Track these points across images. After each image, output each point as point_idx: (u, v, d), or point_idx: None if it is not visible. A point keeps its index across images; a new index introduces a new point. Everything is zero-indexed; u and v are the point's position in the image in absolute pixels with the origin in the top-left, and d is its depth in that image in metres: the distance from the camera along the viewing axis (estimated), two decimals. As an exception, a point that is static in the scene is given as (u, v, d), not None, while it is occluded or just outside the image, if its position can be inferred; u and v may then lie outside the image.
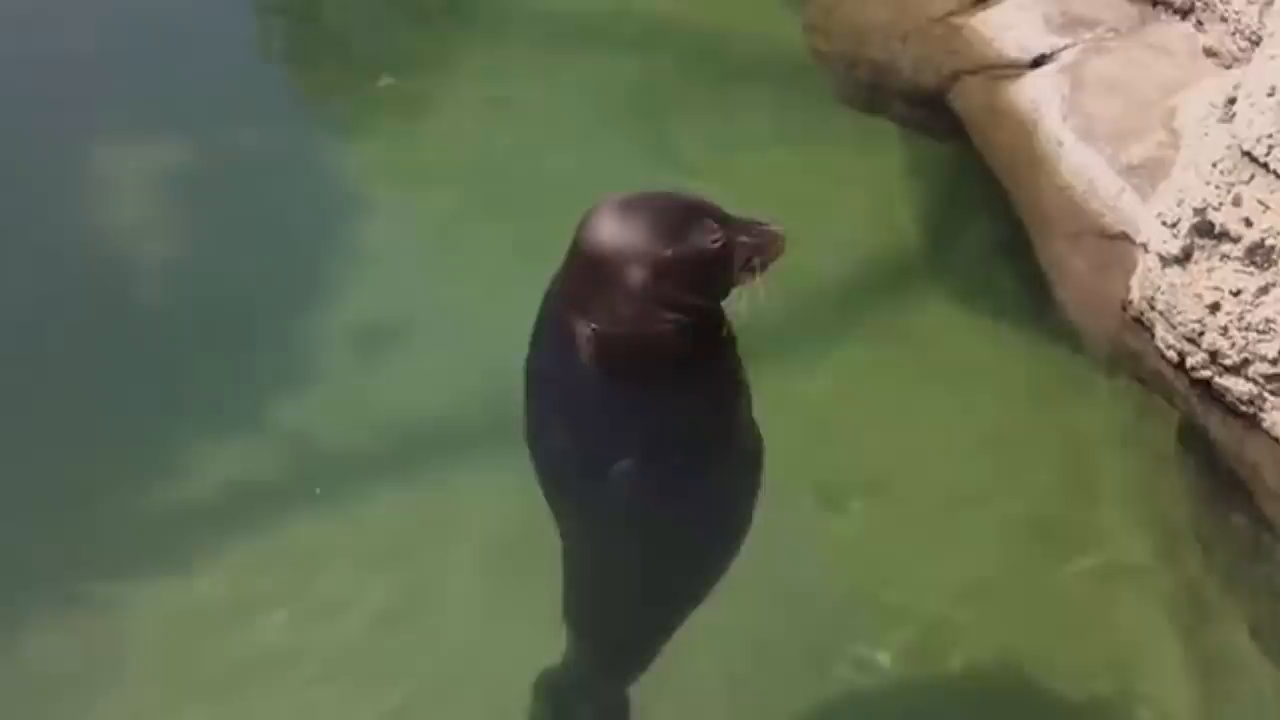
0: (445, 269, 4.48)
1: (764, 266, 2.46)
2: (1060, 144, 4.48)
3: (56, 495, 3.80)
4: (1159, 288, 3.98)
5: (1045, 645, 3.54)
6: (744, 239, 2.43)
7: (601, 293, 2.39)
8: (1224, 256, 3.76)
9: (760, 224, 2.47)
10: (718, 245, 2.41)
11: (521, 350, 2.59)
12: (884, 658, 3.49)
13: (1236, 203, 3.68)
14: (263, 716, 3.39)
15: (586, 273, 2.41)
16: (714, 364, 2.53)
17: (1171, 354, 3.98)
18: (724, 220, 2.44)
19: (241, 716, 3.39)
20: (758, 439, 2.65)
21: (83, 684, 3.43)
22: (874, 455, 3.98)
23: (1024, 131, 4.60)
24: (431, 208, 4.77)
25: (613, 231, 2.40)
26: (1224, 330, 3.79)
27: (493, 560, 3.28)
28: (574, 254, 2.43)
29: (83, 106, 5.11)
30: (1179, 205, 3.88)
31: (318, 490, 3.77)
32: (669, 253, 2.38)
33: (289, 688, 3.42)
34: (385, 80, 5.32)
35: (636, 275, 2.37)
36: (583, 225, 2.42)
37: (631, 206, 2.43)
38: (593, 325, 2.39)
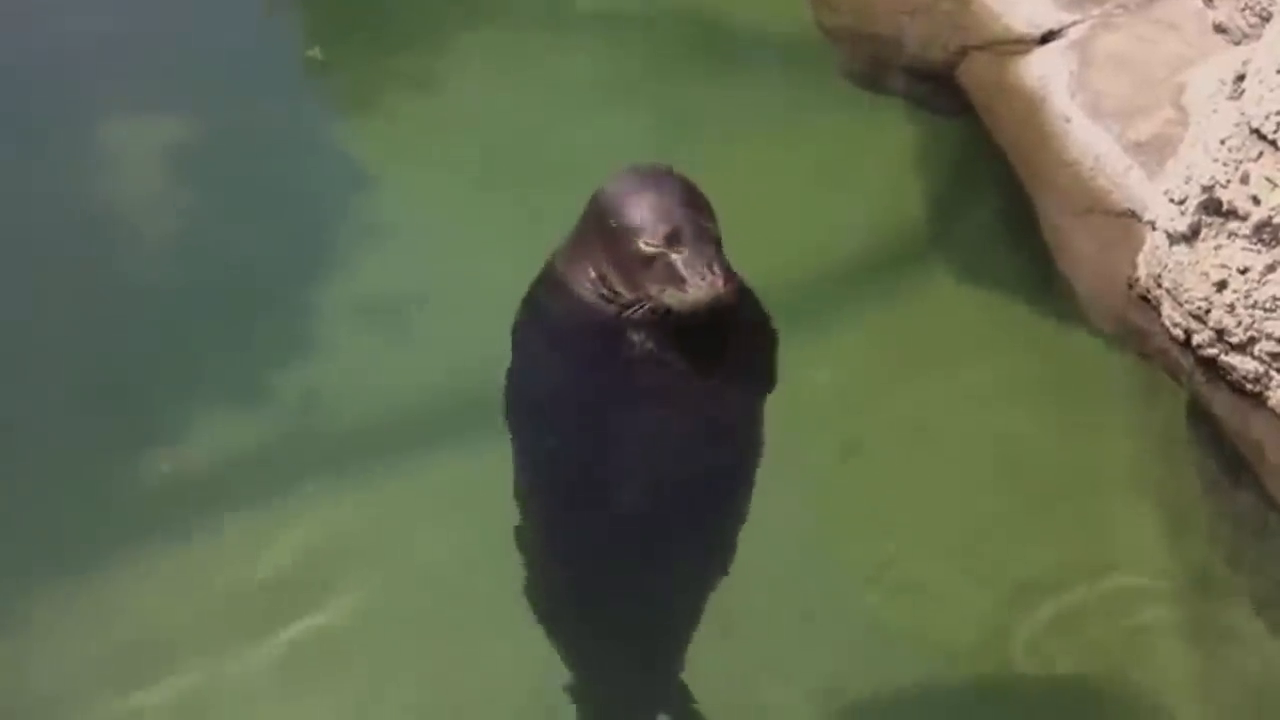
0: (453, 243, 4.47)
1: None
2: (1068, 120, 4.46)
3: (62, 465, 3.81)
4: (1166, 265, 3.97)
5: (1049, 623, 3.54)
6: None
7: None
8: (1231, 234, 3.75)
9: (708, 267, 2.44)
10: None
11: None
12: (884, 633, 3.49)
13: (1244, 180, 3.67)
14: (261, 687, 3.40)
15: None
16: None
17: (1177, 331, 3.98)
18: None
19: (239, 686, 3.39)
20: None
21: (84, 651, 3.44)
22: (876, 431, 3.97)
23: (1031, 108, 4.58)
24: (439, 182, 4.76)
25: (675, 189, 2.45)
26: (1230, 308, 3.78)
27: (495, 534, 3.28)
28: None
29: (91, 83, 5.10)
30: (1186, 182, 3.87)
31: (310, 488, 3.76)
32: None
33: (288, 658, 3.43)
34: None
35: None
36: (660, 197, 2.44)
37: (651, 176, 2.48)
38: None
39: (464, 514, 3.64)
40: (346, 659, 3.45)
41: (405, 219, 4.57)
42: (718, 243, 2.43)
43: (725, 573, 2.82)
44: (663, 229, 2.40)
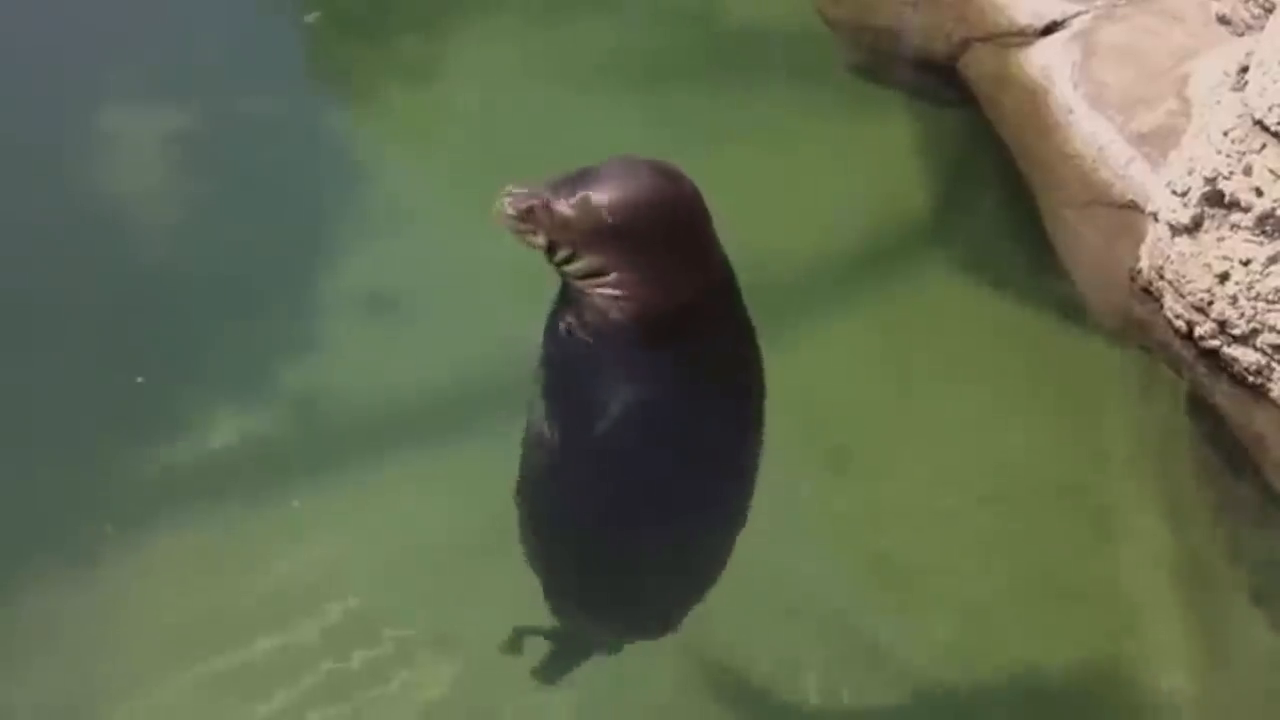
0: (455, 235, 4.45)
1: None
2: (1071, 112, 4.45)
3: (63, 458, 3.80)
4: (1168, 257, 3.97)
5: (1048, 615, 3.55)
6: None
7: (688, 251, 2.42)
8: (1234, 226, 3.75)
9: None
10: None
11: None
12: (881, 628, 3.49)
13: (1247, 172, 3.67)
14: (263, 681, 3.40)
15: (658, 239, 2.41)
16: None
17: (1180, 324, 3.98)
18: None
19: (241, 681, 3.39)
20: None
21: (86, 642, 3.44)
22: (877, 425, 3.98)
23: (1034, 100, 4.57)
24: (439, 174, 4.75)
25: (661, 187, 2.41)
26: (1233, 300, 3.78)
27: (496, 526, 3.29)
28: (633, 232, 2.40)
29: (89, 72, 5.09)
30: (1189, 174, 3.86)
31: (296, 503, 3.74)
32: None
33: (290, 649, 3.43)
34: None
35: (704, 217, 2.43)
36: (631, 202, 2.40)
37: (629, 168, 2.44)
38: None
39: (470, 506, 3.64)
40: (350, 654, 3.45)
41: (406, 210, 4.56)
42: (550, 209, 2.44)
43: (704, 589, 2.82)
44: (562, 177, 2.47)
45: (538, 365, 2.60)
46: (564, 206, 2.43)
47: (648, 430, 2.51)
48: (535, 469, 2.69)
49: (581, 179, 2.44)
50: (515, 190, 2.48)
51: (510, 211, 2.48)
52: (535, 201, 2.45)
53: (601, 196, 2.40)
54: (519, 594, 2.98)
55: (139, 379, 3.89)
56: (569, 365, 2.54)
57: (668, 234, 2.43)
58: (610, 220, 2.40)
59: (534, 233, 2.48)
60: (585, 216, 2.41)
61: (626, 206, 2.40)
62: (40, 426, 3.89)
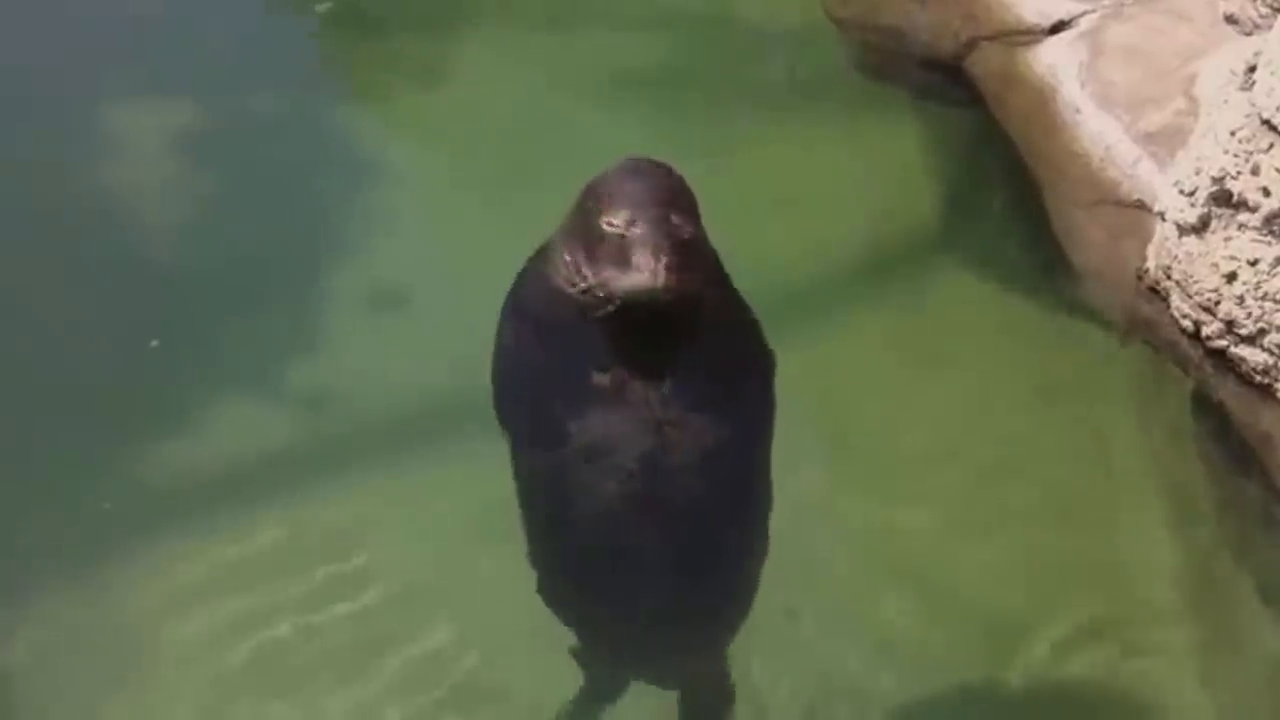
0: (458, 235, 4.47)
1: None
2: (1078, 111, 4.45)
3: (67, 457, 3.81)
4: (1175, 256, 3.97)
5: (1052, 613, 3.55)
6: None
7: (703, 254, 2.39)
8: (1241, 226, 3.74)
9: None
10: None
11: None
12: (889, 628, 3.49)
13: (1255, 171, 3.67)
14: (264, 678, 3.40)
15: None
16: None
17: (1187, 323, 3.98)
18: None
19: (242, 677, 3.40)
20: None
21: (88, 644, 3.45)
22: (886, 424, 3.98)
23: (1041, 99, 4.58)
24: (445, 173, 4.77)
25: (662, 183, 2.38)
26: (1240, 300, 3.78)
27: (498, 529, 3.30)
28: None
29: (96, 70, 5.11)
30: (1197, 174, 3.86)
31: (302, 504, 3.72)
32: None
33: (294, 651, 3.44)
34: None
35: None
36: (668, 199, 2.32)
37: (638, 165, 2.42)
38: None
39: (475, 505, 3.64)
40: (354, 654, 3.45)
41: (412, 209, 4.58)
42: (686, 244, 2.29)
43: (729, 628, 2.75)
44: (625, 211, 2.28)
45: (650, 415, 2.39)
46: (687, 228, 2.31)
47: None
48: (672, 506, 2.45)
49: (650, 197, 2.31)
50: (660, 253, 2.24)
51: (673, 274, 2.25)
52: (682, 239, 2.28)
53: (686, 198, 2.36)
54: (525, 592, 2.98)
55: (153, 342, 3.93)
56: (711, 382, 2.42)
57: None
58: (697, 211, 2.39)
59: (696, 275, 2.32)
60: (695, 224, 2.35)
61: (691, 198, 2.39)
62: (43, 426, 3.90)
